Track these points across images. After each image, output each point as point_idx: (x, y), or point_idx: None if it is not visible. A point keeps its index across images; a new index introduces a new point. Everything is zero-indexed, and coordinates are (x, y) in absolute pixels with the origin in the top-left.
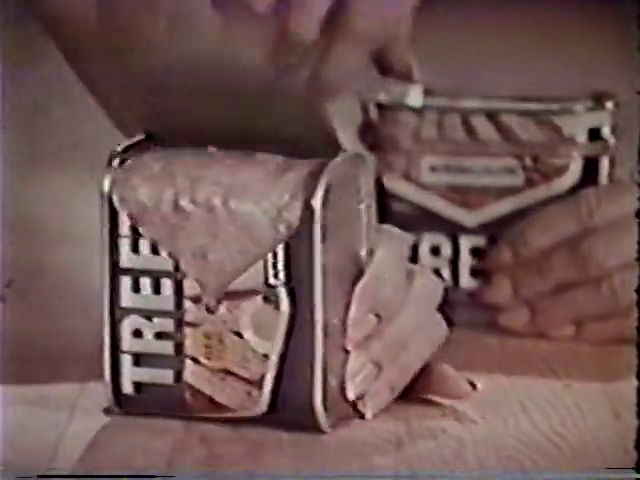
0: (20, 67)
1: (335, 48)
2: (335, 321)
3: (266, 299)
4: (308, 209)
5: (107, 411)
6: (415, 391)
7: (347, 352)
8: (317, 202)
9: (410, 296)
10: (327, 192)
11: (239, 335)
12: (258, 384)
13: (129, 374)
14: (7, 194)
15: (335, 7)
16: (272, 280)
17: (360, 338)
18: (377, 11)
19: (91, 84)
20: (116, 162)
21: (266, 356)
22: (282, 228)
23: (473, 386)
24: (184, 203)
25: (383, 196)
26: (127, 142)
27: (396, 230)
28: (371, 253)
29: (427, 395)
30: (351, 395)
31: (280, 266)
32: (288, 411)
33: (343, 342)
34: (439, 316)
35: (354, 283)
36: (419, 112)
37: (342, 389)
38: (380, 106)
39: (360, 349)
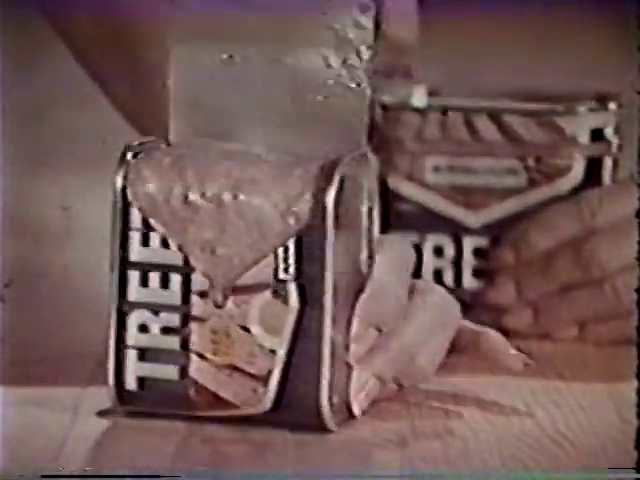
0: (23, 67)
1: None
2: (339, 336)
3: (275, 293)
4: (319, 203)
5: (108, 412)
6: (463, 362)
7: (350, 367)
8: (330, 196)
9: (416, 310)
10: (340, 187)
11: (246, 330)
12: (264, 380)
13: (133, 369)
14: (8, 194)
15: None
16: (282, 274)
17: (362, 353)
18: (407, 19)
19: (105, 86)
20: (129, 156)
21: (273, 351)
22: (292, 221)
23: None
24: (193, 197)
25: (387, 196)
26: (140, 140)
27: (399, 240)
28: (372, 262)
29: (476, 365)
30: (357, 411)
31: (291, 260)
32: (293, 409)
33: (346, 357)
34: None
35: (356, 295)
36: (422, 113)
37: (347, 404)
38: (384, 107)
39: (363, 364)
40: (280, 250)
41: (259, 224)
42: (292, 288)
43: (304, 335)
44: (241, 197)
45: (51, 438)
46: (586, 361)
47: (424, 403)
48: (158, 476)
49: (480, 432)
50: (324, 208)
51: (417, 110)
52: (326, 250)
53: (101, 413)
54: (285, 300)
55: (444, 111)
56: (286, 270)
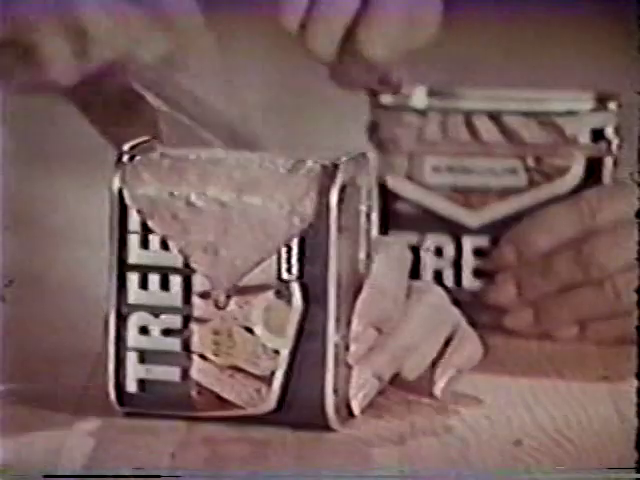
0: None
1: (343, 65)
2: (340, 335)
3: (278, 294)
4: (323, 202)
5: (108, 411)
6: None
7: (350, 367)
8: (334, 195)
9: (414, 310)
10: (343, 186)
11: (249, 331)
12: (267, 380)
13: (134, 371)
14: (8, 194)
15: (351, 30)
16: (285, 275)
17: (362, 353)
18: (389, 38)
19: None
20: (125, 159)
21: (277, 352)
22: (296, 221)
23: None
24: (195, 199)
25: (386, 197)
26: (134, 141)
27: (396, 240)
28: (369, 263)
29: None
30: (357, 410)
31: (294, 261)
32: (297, 408)
33: (346, 356)
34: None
35: (355, 296)
36: (423, 113)
37: (347, 404)
38: (384, 107)
39: (362, 364)
40: (283, 250)
41: (263, 225)
42: (295, 288)
43: (308, 335)
44: (245, 198)
45: (51, 438)
46: (586, 361)
47: (423, 402)
48: (158, 476)
49: (479, 431)
50: (328, 208)
51: (417, 110)
52: (329, 249)
53: (101, 413)
54: (288, 300)
55: (444, 111)
56: (289, 270)
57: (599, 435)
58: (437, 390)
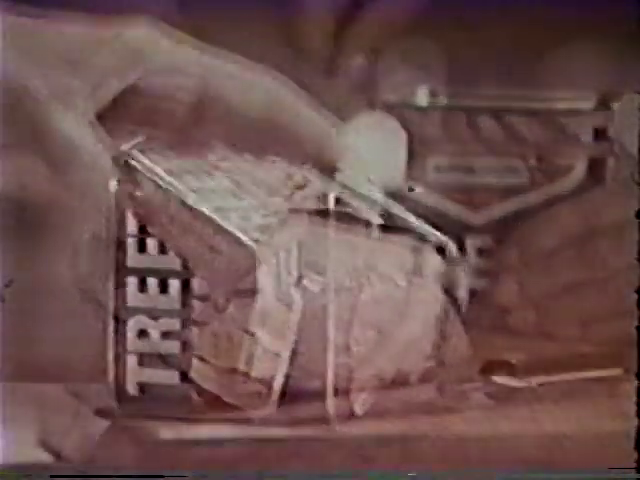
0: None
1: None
2: (341, 337)
3: (278, 296)
4: (322, 205)
5: (107, 413)
6: None
7: (350, 369)
8: (332, 199)
9: (413, 309)
10: (341, 190)
11: (249, 333)
12: (268, 383)
13: (133, 375)
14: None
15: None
16: (284, 277)
17: (362, 354)
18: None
19: None
20: (122, 161)
21: (277, 354)
22: (295, 224)
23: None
24: (193, 201)
25: (386, 197)
26: (131, 142)
27: (397, 243)
28: (369, 265)
29: None
30: (359, 412)
31: (293, 263)
32: (297, 411)
33: (348, 358)
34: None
35: (355, 297)
36: (424, 112)
37: (349, 405)
38: (386, 106)
39: (363, 365)
40: (282, 252)
41: (262, 228)
42: (295, 290)
43: (308, 336)
44: (243, 202)
45: (51, 437)
46: (587, 360)
47: (423, 402)
48: (158, 476)
49: (479, 430)
50: (327, 211)
51: (419, 109)
52: (328, 252)
53: (101, 413)
54: (288, 303)
55: (446, 111)
56: (288, 272)
57: (599, 435)
58: (412, 376)
